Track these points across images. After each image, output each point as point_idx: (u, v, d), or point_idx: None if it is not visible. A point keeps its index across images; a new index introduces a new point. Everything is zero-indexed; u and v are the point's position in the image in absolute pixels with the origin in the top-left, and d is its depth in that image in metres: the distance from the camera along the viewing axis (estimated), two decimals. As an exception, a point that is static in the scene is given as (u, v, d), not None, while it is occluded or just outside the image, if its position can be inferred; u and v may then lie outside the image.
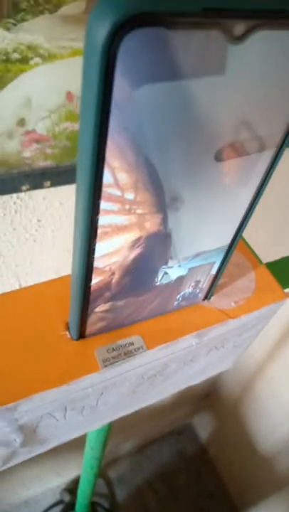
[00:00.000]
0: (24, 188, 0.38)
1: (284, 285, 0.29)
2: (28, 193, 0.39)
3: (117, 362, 0.23)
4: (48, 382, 0.22)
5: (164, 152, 0.16)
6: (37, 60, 0.31)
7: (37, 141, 0.35)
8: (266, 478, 1.02)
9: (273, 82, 0.15)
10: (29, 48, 0.30)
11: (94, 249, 0.18)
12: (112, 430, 0.45)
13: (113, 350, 0.24)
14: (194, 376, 0.33)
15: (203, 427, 1.25)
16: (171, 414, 1.17)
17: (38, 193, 0.40)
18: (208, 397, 1.21)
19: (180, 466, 1.19)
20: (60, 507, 1.05)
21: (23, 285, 0.50)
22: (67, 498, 1.06)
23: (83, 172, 0.15)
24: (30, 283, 0.51)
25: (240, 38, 0.13)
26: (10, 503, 1.05)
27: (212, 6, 0.12)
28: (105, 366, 0.23)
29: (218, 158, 0.17)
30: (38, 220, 0.43)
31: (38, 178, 0.37)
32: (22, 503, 1.07)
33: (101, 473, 1.14)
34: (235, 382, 1.05)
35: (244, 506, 1.13)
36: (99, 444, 0.45)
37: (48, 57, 0.31)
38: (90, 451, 0.48)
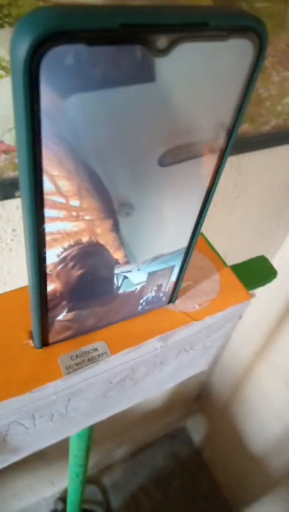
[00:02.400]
0: (-5, 198, 0.38)
1: (250, 286, 0.30)
2: (0, 203, 0.40)
3: (80, 368, 0.24)
4: (10, 391, 0.22)
5: (104, 159, 0.16)
6: (0, 72, 0.31)
7: (5, 152, 0.35)
8: (259, 478, 1.03)
9: (206, 87, 0.16)
10: (-9, 60, 0.30)
11: (45, 258, 0.18)
12: (93, 436, 0.45)
13: (77, 356, 0.24)
14: (168, 379, 0.34)
15: (197, 430, 1.25)
16: (164, 418, 1.17)
17: (11, 203, 0.40)
18: (200, 399, 1.21)
19: (174, 471, 1.19)
20: (53, 517, 1.04)
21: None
22: (61, 507, 1.05)
23: (23, 182, 0.15)
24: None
25: (164, 51, 0.14)
26: (3, 514, 1.04)
27: (130, 22, 0.12)
28: (68, 373, 0.23)
29: (162, 163, 0.18)
30: (13, 230, 0.44)
31: (8, 189, 0.38)
32: (16, 515, 1.06)
33: (94, 479, 1.13)
34: (225, 383, 1.06)
35: (238, 508, 1.13)
36: (81, 450, 0.45)
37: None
38: (74, 459, 0.48)
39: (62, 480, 1.06)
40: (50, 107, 0.13)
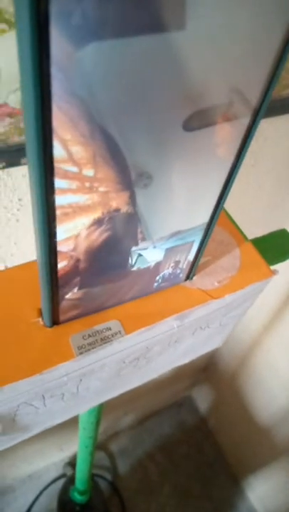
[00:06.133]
0: (0, 165, 0.36)
1: (270, 262, 0.28)
2: (5, 170, 0.38)
3: (93, 349, 0.22)
4: (18, 373, 0.21)
5: (123, 121, 0.14)
6: (3, 26, 0.29)
7: (10, 116, 0.33)
8: (264, 447, 1.04)
9: (243, 37, 0.14)
10: (-7, 12, 0.28)
11: (55, 233, 0.17)
12: (103, 410, 0.44)
13: (89, 336, 0.23)
14: (182, 356, 0.33)
15: (203, 399, 1.27)
16: (171, 387, 1.18)
17: (17, 171, 0.38)
18: (207, 370, 1.22)
19: (180, 438, 1.21)
20: (63, 480, 1.07)
21: (9, 266, 0.49)
22: (69, 472, 1.08)
23: (31, 147, 0.13)
24: (17, 264, 0.50)
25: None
26: (14, 477, 1.07)
27: None
28: (80, 353, 0.22)
29: (188, 127, 0.16)
30: (19, 199, 0.42)
31: (14, 155, 0.35)
32: (26, 478, 1.09)
33: (102, 446, 1.15)
34: (233, 355, 1.06)
35: (243, 475, 1.15)
36: (90, 424, 0.44)
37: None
38: (83, 431, 0.47)
39: (71, 446, 1.08)
40: (61, 58, 0.11)
